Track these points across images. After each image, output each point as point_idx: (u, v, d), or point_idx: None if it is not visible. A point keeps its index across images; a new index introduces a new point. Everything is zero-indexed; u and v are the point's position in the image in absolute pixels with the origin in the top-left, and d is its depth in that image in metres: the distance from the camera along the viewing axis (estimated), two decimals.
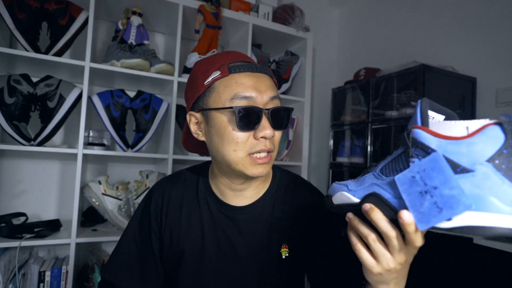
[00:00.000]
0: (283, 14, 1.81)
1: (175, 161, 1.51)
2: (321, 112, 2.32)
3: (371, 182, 0.46)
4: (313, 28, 2.00)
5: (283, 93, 1.82)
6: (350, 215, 0.49)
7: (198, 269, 0.71)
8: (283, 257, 0.70)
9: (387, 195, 0.43)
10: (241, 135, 0.63)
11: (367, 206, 0.44)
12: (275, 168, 0.80)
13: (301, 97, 1.84)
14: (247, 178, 0.69)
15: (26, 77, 1.30)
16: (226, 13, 1.61)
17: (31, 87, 1.28)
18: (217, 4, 1.54)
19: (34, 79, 1.32)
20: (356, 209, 0.47)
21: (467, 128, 0.38)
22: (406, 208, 0.40)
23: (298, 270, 0.73)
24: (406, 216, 0.39)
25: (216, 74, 0.65)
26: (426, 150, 0.39)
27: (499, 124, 0.37)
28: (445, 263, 1.33)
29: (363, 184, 0.48)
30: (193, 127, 0.71)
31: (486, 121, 0.37)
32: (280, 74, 1.82)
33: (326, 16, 2.44)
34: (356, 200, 0.48)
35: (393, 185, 0.43)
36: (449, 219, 0.36)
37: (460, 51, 1.60)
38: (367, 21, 2.22)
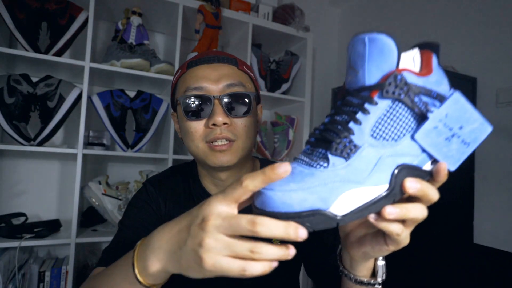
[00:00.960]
0: (283, 14, 1.80)
1: (175, 161, 1.50)
2: (321, 112, 2.32)
3: (379, 156, 0.35)
4: (313, 28, 2.00)
5: (283, 93, 1.82)
6: (391, 208, 0.34)
7: None
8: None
9: (409, 159, 0.36)
10: (194, 125, 0.64)
11: (413, 183, 0.34)
12: (263, 161, 0.79)
13: (301, 97, 1.84)
14: (222, 170, 0.67)
15: (26, 77, 1.30)
16: (226, 13, 1.61)
17: (31, 87, 1.28)
18: (217, 4, 1.54)
19: (34, 79, 1.32)
20: (390, 196, 0.35)
21: (413, 59, 0.38)
22: (431, 159, 0.37)
23: (292, 259, 0.72)
24: (445, 169, 0.36)
25: (178, 72, 0.69)
26: (433, 96, 0.36)
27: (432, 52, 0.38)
28: (445, 263, 1.33)
29: (369, 164, 0.35)
30: (176, 126, 0.74)
31: (417, 50, 0.39)
32: (280, 74, 1.81)
33: (327, 16, 2.43)
34: (384, 187, 0.35)
35: (409, 146, 0.36)
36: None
37: (460, 51, 1.60)
38: (367, 21, 2.21)
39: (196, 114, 0.63)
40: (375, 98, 0.36)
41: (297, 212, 0.33)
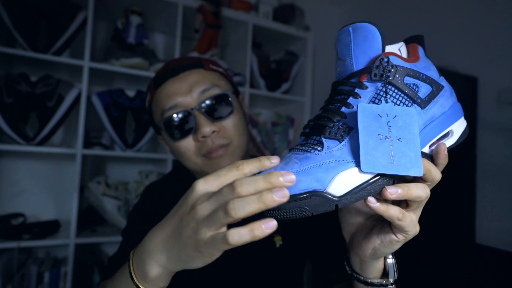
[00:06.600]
0: (283, 13, 1.80)
1: (174, 162, 1.50)
2: None
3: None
4: (313, 27, 1.99)
5: (284, 92, 1.81)
6: (393, 188, 0.33)
7: None
8: (277, 245, 0.69)
9: None
10: (183, 144, 0.61)
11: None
12: None
13: (301, 96, 1.83)
14: None
15: (24, 77, 1.29)
16: (226, 12, 1.61)
17: (29, 86, 1.27)
18: (217, 4, 1.53)
19: (33, 79, 1.31)
20: (389, 175, 0.34)
21: (400, 50, 0.39)
22: (429, 142, 0.37)
23: (296, 258, 0.72)
24: (445, 149, 0.36)
25: (148, 95, 0.66)
26: (421, 78, 0.36)
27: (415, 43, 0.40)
28: (446, 264, 1.32)
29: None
30: (167, 148, 0.70)
31: (402, 43, 0.41)
32: (280, 74, 1.81)
33: (327, 15, 2.43)
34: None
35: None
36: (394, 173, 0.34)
37: (461, 50, 1.59)
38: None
39: (182, 133, 0.60)
40: (365, 82, 0.36)
41: (293, 195, 0.32)
